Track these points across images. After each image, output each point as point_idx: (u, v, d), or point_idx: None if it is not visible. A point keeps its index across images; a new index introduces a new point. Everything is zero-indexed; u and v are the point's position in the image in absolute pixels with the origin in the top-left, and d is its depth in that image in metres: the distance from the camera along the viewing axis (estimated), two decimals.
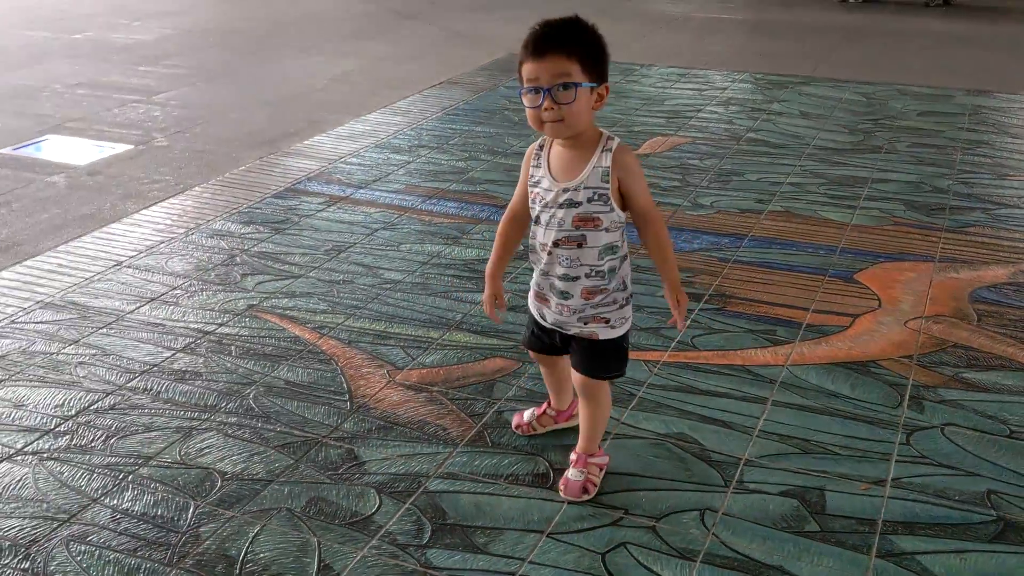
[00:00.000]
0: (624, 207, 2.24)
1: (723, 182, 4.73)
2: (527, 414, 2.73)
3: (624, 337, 2.36)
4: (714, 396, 2.91)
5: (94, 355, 3.15)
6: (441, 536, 2.33)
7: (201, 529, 2.35)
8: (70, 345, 3.22)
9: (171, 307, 3.48)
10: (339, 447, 2.67)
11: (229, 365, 3.10)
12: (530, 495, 2.47)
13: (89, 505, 2.44)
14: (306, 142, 5.47)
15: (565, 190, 2.19)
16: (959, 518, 2.39)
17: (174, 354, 3.16)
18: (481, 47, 8.04)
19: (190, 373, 3.05)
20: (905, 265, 3.79)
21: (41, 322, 3.37)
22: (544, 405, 2.73)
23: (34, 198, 4.72)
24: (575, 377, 2.41)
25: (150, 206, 4.54)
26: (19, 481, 2.54)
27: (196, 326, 3.34)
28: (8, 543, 2.31)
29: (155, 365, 3.09)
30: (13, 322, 3.37)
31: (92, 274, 3.75)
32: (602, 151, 2.18)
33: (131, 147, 5.53)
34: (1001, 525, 2.36)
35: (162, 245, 4.04)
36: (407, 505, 2.43)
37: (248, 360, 3.12)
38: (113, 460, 2.62)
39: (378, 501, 2.45)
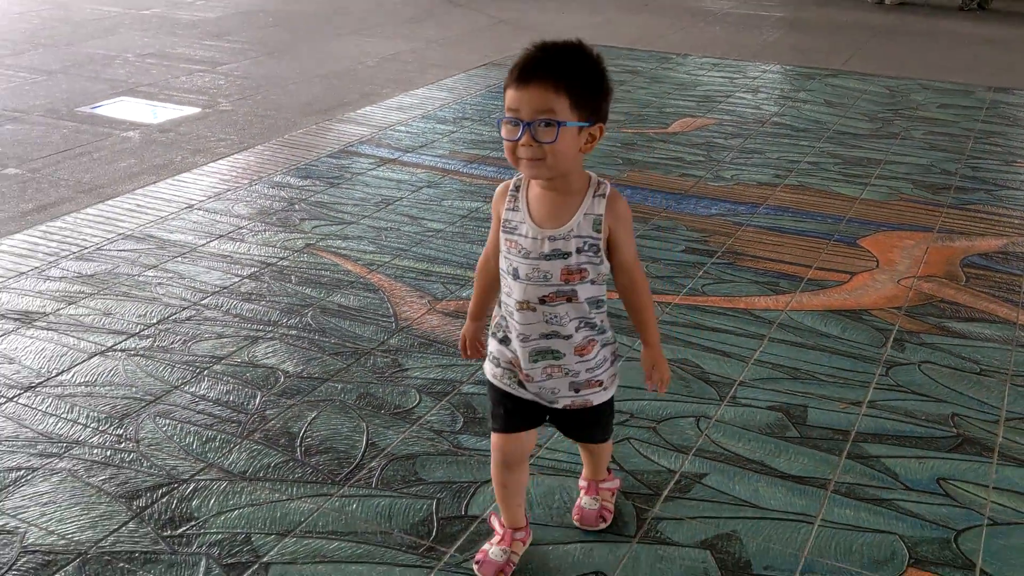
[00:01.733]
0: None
1: (745, 159, 5.07)
2: (493, 551, 2.17)
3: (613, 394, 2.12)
4: (717, 332, 3.27)
5: (171, 278, 3.58)
6: (471, 426, 2.71)
7: (267, 412, 2.76)
8: (150, 269, 3.64)
9: (237, 243, 3.90)
10: (385, 357, 3.07)
11: (289, 290, 3.50)
12: None
13: (171, 391, 2.86)
14: (358, 111, 5.89)
15: (552, 239, 1.89)
16: (923, 433, 2.73)
17: (241, 280, 3.58)
18: (526, 33, 8.41)
19: (255, 295, 3.46)
20: (905, 234, 4.12)
21: (124, 250, 3.81)
22: (507, 533, 2.20)
23: (112, 150, 5.18)
24: (580, 444, 2.29)
25: (217, 160, 4.98)
26: (110, 371, 2.96)
27: (260, 259, 3.76)
28: (105, 415, 2.73)
29: (225, 287, 3.51)
30: (99, 249, 3.81)
31: (167, 213, 4.18)
32: (594, 196, 1.89)
33: (198, 110, 5.99)
34: (960, 440, 2.70)
35: (228, 192, 4.47)
36: (443, 402, 2.82)
37: (306, 287, 3.53)
38: (190, 359, 3.04)
39: (419, 398, 2.84)
